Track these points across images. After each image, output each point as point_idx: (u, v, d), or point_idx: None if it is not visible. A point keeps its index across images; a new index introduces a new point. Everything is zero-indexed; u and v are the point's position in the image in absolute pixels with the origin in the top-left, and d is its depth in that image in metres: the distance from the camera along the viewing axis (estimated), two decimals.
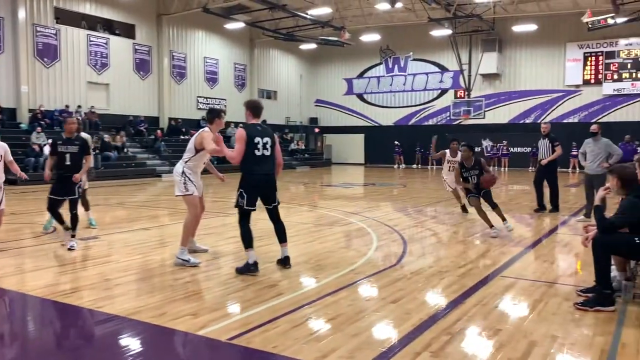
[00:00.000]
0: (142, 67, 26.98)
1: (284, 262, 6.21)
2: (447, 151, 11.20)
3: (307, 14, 27.76)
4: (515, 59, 31.06)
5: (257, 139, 5.93)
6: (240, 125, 6.31)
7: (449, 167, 10.92)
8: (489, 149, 31.57)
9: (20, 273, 6.03)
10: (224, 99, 31.65)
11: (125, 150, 23.84)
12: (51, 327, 4.62)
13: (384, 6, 26.17)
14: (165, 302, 4.90)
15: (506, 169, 29.85)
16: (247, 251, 6.02)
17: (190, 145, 6.55)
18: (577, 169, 25.62)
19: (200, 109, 30.09)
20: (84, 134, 8.57)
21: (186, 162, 6.54)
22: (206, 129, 6.51)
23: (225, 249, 7.41)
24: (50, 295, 5.11)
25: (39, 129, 20.31)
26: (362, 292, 5.36)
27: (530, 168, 27.61)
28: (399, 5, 26.57)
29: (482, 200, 8.66)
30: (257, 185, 6.00)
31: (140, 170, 22.94)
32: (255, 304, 4.88)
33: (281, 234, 6.26)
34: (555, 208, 11.48)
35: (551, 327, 4.31)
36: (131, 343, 4.08)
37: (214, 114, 6.61)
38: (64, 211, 7.51)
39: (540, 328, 4.30)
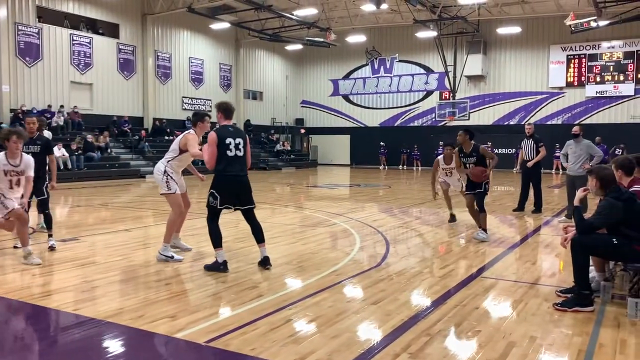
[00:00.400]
0: (126, 67, 26.77)
1: (264, 263, 6.18)
2: (440, 158, 9.83)
3: (292, 14, 27.73)
4: (499, 60, 31.31)
5: (229, 140, 5.93)
6: (214, 128, 6.29)
7: (445, 173, 9.79)
8: None
9: None
10: (209, 99, 31.47)
11: (109, 150, 23.61)
12: (22, 330, 4.54)
13: (369, 7, 26.21)
14: (145, 304, 4.84)
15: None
16: (216, 250, 6.04)
17: (175, 145, 6.65)
18: (560, 170, 25.86)
19: (185, 109, 29.93)
20: (46, 133, 8.51)
21: (169, 161, 6.63)
22: (192, 131, 6.59)
23: (209, 249, 7.32)
24: (26, 297, 5.02)
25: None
26: (344, 293, 5.34)
27: (515, 169, 27.81)
28: (384, 6, 26.63)
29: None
30: (229, 185, 5.97)
31: (124, 170, 22.73)
32: (235, 305, 4.84)
33: (258, 234, 6.21)
34: (538, 209, 11.58)
35: (530, 328, 4.33)
36: (106, 346, 4.02)
37: (197, 117, 6.70)
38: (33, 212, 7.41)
39: (520, 328, 4.31)
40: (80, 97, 24.56)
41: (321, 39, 30.52)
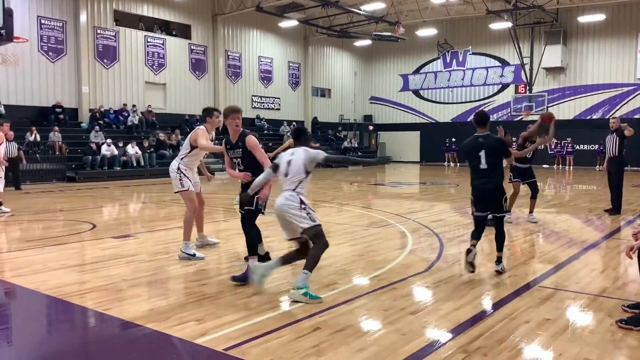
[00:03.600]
0: (198, 66, 27.47)
1: (264, 258, 5.89)
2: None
3: (360, 9, 27.38)
4: (581, 51, 29.41)
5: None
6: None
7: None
8: (552, 147, 30.07)
9: (46, 271, 6.08)
10: (278, 98, 31.81)
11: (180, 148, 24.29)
12: (45, 326, 4.59)
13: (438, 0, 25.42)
14: (174, 306, 4.76)
15: (571, 167, 28.34)
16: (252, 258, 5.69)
17: (186, 142, 6.71)
18: None
19: (254, 107, 30.37)
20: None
21: (182, 158, 6.67)
22: (202, 126, 6.63)
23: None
24: (63, 295, 5.08)
25: (97, 128, 21.03)
26: (382, 301, 5.00)
27: (598, 167, 26.05)
28: None
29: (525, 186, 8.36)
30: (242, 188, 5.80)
31: None
32: (265, 310, 4.65)
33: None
34: (616, 210, 10.64)
35: (585, 348, 3.83)
36: (119, 348, 3.95)
37: (206, 113, 6.76)
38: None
39: (572, 348, 3.83)
40: (154, 96, 25.47)
41: (389, 34, 29.94)
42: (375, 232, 8.72)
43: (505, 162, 6.38)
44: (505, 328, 4.24)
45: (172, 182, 6.70)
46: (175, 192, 6.77)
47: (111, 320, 4.44)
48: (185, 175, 6.60)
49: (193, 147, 6.58)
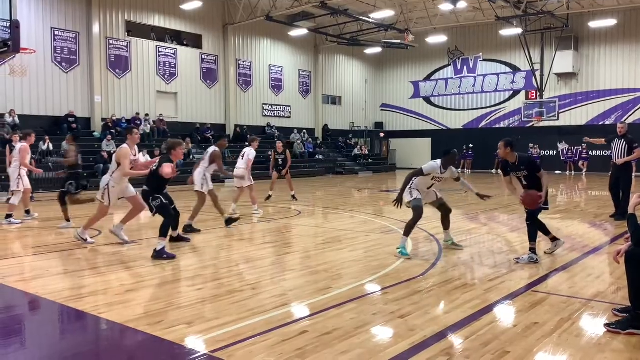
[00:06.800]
0: (209, 76, 27.77)
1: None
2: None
3: (370, 17, 27.50)
4: (593, 56, 29.23)
5: None
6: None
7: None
8: (565, 152, 29.86)
9: (48, 276, 6.21)
10: (289, 106, 32.00)
11: (191, 157, 24.53)
12: (37, 329, 4.69)
13: (447, 6, 25.46)
14: (167, 309, 4.84)
15: (585, 173, 28.08)
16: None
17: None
18: None
19: (265, 115, 30.59)
20: None
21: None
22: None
23: (255, 254, 7.32)
24: (60, 299, 5.19)
25: (109, 137, 21.34)
26: (373, 304, 5.05)
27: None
28: (463, 5, 25.77)
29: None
30: None
31: None
32: (255, 313, 4.71)
33: None
34: (622, 215, 10.54)
35: (569, 351, 3.84)
36: (106, 350, 4.04)
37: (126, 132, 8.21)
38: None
39: (556, 351, 3.84)
40: (165, 105, 25.80)
41: (399, 41, 30.02)
42: (376, 238, 8.75)
43: None
44: (491, 332, 4.26)
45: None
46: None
47: (103, 324, 4.54)
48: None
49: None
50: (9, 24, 7.59)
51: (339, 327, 4.36)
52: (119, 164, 7.55)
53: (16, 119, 19.75)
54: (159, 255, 6.96)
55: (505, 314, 4.74)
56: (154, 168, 7.24)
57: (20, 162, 10.60)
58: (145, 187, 7.28)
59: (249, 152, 11.87)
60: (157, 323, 4.47)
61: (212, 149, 9.81)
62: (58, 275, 6.29)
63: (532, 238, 6.85)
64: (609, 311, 4.71)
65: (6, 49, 7.57)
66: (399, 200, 7.19)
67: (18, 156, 10.61)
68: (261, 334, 4.19)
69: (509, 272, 6.27)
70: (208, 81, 27.74)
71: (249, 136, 28.19)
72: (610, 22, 26.96)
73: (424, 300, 5.13)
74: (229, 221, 9.59)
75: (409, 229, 7.20)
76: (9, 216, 10.37)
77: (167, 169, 6.89)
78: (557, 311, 4.78)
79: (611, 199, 11.09)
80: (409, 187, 7.24)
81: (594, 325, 4.42)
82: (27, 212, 11.11)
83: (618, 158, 10.53)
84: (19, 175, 10.71)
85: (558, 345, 3.96)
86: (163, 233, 7.11)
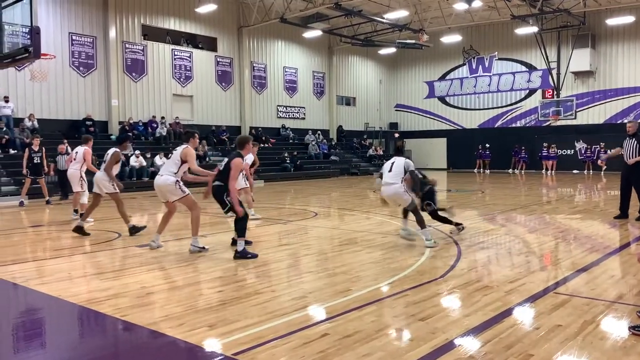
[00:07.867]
0: (224, 78, 27.92)
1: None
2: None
3: (384, 18, 27.45)
4: (610, 54, 28.87)
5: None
6: None
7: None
8: (583, 152, 29.53)
9: (70, 279, 6.29)
10: (303, 107, 32.06)
11: (207, 159, 24.69)
12: (59, 332, 4.75)
13: (462, 6, 25.33)
14: (189, 312, 4.88)
15: (603, 172, 27.74)
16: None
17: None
18: None
19: (280, 117, 30.68)
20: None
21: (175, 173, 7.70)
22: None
23: (272, 256, 7.34)
24: (83, 302, 5.26)
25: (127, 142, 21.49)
26: (393, 307, 5.04)
27: None
28: (478, 4, 25.63)
29: None
30: None
31: None
32: (276, 316, 4.73)
33: None
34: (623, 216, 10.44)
35: (593, 354, 3.80)
36: (129, 353, 4.08)
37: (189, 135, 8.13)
38: None
39: (581, 355, 3.80)
40: (181, 108, 25.99)
41: (413, 41, 29.91)
42: (394, 239, 8.73)
43: None
44: (514, 334, 4.23)
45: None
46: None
47: (125, 326, 4.59)
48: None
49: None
50: (29, 29, 7.67)
51: (360, 329, 4.36)
52: (183, 162, 7.56)
53: (35, 122, 20.02)
54: (242, 255, 7.02)
55: (527, 317, 4.70)
56: (224, 164, 7.20)
57: (87, 165, 11.32)
58: (218, 182, 7.16)
59: (245, 157, 11.86)
60: (179, 325, 4.51)
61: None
62: (79, 277, 6.37)
63: None
64: (633, 313, 4.66)
65: (27, 55, 7.65)
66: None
67: (80, 159, 11.30)
68: (283, 337, 4.21)
69: (529, 274, 6.22)
70: (223, 83, 27.89)
71: (263, 138, 28.47)
72: (628, 19, 26.61)
73: (444, 303, 5.12)
74: (134, 229, 9.44)
75: (421, 223, 7.85)
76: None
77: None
78: (580, 313, 4.73)
79: (624, 200, 10.78)
80: (404, 189, 7.87)
81: (618, 327, 4.37)
82: (76, 211, 11.66)
83: (629, 158, 10.30)
84: (81, 176, 11.39)
85: (582, 349, 3.92)
86: (241, 233, 7.10)
